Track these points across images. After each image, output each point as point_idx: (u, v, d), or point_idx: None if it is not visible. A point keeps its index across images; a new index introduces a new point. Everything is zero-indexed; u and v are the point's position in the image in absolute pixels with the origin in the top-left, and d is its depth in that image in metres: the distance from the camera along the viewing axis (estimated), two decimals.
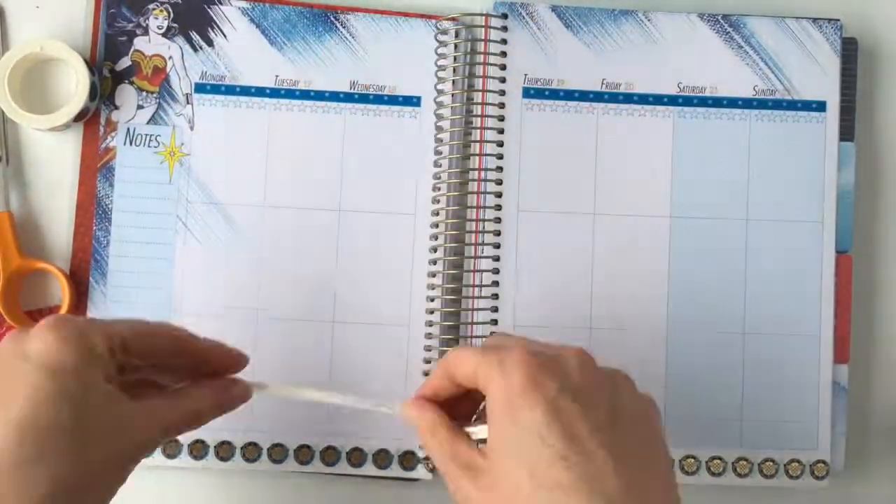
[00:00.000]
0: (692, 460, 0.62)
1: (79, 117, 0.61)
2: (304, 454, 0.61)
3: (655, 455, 0.46)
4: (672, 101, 0.63)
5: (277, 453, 0.61)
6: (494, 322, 0.61)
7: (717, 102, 0.63)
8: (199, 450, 0.60)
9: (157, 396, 0.51)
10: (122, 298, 0.61)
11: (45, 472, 0.43)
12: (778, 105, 0.63)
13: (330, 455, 0.61)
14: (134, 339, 0.49)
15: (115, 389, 0.47)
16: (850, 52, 0.64)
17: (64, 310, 0.60)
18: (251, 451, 0.61)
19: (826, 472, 0.62)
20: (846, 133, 0.64)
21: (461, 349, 0.50)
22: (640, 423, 0.46)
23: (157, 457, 0.60)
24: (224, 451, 0.60)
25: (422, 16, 0.64)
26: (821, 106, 0.63)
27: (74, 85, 0.61)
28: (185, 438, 0.60)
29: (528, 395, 0.44)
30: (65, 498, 0.44)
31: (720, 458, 0.62)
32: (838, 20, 0.64)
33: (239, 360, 0.53)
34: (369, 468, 0.61)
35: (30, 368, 0.44)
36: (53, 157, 0.63)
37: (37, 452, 0.43)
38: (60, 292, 0.61)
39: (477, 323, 0.61)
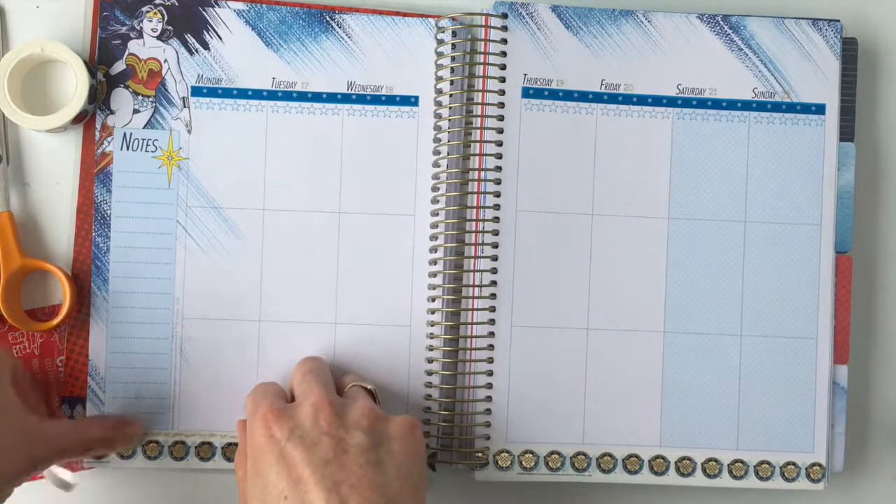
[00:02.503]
0: (688, 462, 0.62)
1: (77, 119, 0.61)
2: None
3: (400, 474, 0.52)
4: (671, 102, 0.63)
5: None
6: (492, 322, 0.61)
7: (717, 104, 0.63)
8: (206, 452, 0.61)
9: (58, 420, 0.59)
10: (125, 304, 0.61)
11: None
12: (777, 108, 0.63)
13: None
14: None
15: (22, 405, 0.55)
16: (850, 52, 0.64)
17: (65, 309, 0.60)
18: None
19: (821, 475, 0.62)
20: (846, 133, 0.64)
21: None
22: (390, 445, 0.53)
23: (165, 459, 0.61)
24: (230, 451, 0.61)
25: (418, 15, 0.63)
26: (820, 109, 0.63)
27: (74, 87, 0.61)
28: (194, 441, 0.61)
29: (264, 448, 0.52)
30: None
31: (716, 460, 0.62)
32: (838, 21, 0.63)
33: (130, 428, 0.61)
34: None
35: None
36: (54, 157, 0.63)
37: None
38: (61, 292, 0.61)
39: (476, 323, 0.61)
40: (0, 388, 0.55)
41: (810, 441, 0.62)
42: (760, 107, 0.63)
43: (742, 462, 0.62)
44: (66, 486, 0.60)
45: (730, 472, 0.62)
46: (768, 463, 0.62)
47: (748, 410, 0.62)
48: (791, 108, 0.63)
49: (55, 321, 0.61)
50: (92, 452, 0.59)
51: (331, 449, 0.51)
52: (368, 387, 0.58)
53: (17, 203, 0.63)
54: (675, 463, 0.62)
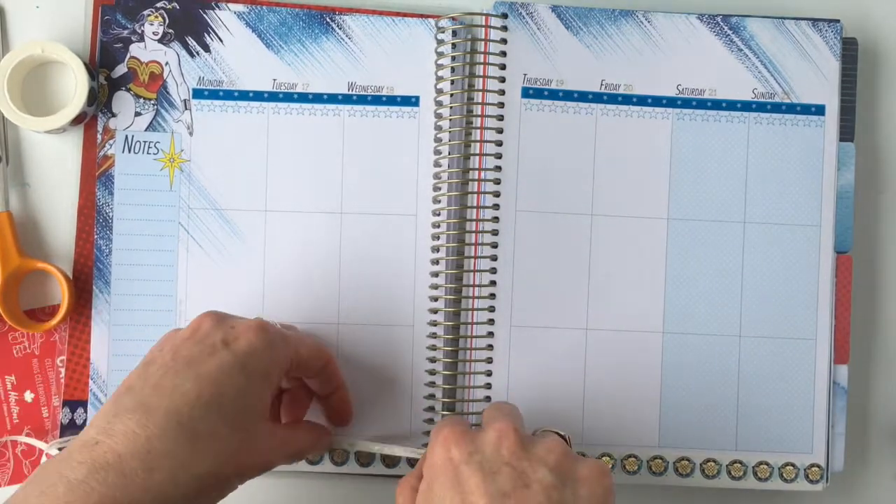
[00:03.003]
0: (686, 462, 0.62)
1: (77, 121, 0.61)
2: (313, 454, 0.62)
3: None
4: (671, 102, 0.63)
5: None
6: (492, 322, 0.61)
7: (717, 105, 0.63)
8: None
9: (288, 428, 0.57)
10: (126, 307, 0.62)
11: (213, 426, 0.49)
12: (777, 108, 0.63)
13: (339, 455, 0.62)
14: (305, 360, 0.56)
15: (269, 415, 0.54)
16: (850, 52, 0.64)
17: (63, 309, 0.61)
18: None
19: (820, 476, 0.62)
20: (846, 133, 0.64)
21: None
22: (577, 488, 0.48)
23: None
24: None
25: (418, 15, 0.63)
26: (820, 110, 0.63)
27: (73, 88, 0.61)
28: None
29: (440, 469, 0.48)
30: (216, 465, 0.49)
31: (714, 461, 0.62)
32: (838, 21, 0.63)
33: (348, 418, 0.61)
34: (378, 467, 0.62)
35: (229, 356, 0.51)
36: (54, 158, 0.63)
37: (207, 418, 0.49)
38: (60, 292, 0.61)
39: (476, 323, 0.61)
40: (270, 385, 0.53)
41: (809, 442, 0.62)
42: (760, 107, 0.63)
43: (741, 463, 0.62)
44: None
45: (728, 472, 0.62)
46: (767, 464, 0.62)
47: (747, 411, 0.62)
48: (791, 108, 0.63)
49: (54, 321, 0.61)
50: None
51: (510, 481, 0.46)
52: (561, 433, 0.53)
53: (16, 203, 0.63)
54: (674, 463, 0.62)
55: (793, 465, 0.62)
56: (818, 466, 0.62)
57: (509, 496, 0.46)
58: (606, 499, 0.48)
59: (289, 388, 0.59)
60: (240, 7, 0.63)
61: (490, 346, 0.61)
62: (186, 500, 0.48)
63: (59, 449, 0.60)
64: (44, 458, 0.61)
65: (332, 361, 0.58)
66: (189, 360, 0.50)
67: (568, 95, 0.63)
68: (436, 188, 0.62)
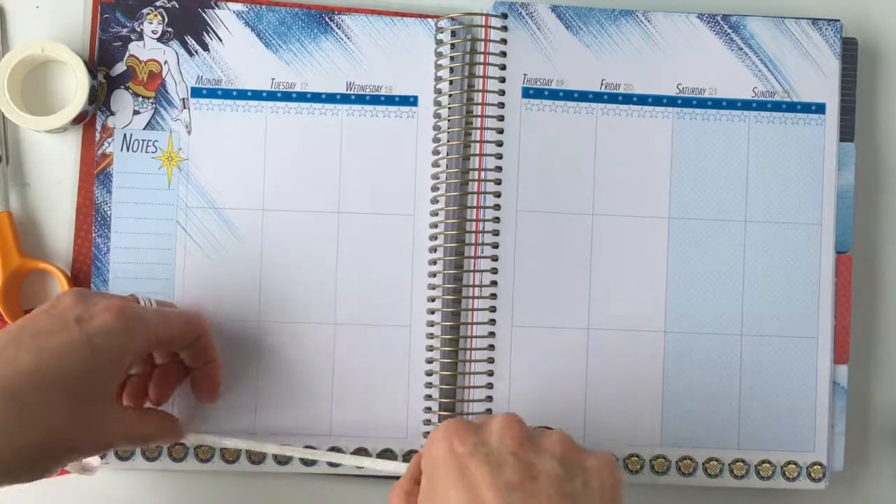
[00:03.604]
0: (689, 461, 0.62)
1: (77, 120, 0.61)
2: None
3: None
4: (671, 102, 0.63)
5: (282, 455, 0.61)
6: (493, 322, 0.61)
7: (717, 104, 0.63)
8: (206, 453, 0.61)
9: (135, 413, 0.57)
10: None
11: (53, 403, 0.49)
12: (777, 107, 0.63)
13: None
14: (170, 339, 0.56)
15: (115, 397, 0.53)
16: (850, 52, 0.64)
17: None
18: (257, 454, 0.61)
19: (822, 474, 0.62)
20: (846, 133, 0.64)
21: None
22: (587, 478, 0.47)
23: (164, 460, 0.61)
24: (230, 454, 0.61)
25: (418, 15, 0.63)
26: (820, 108, 0.63)
27: (74, 87, 0.61)
28: (191, 441, 0.61)
29: (442, 462, 0.47)
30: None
31: (717, 460, 0.62)
32: (838, 21, 0.63)
33: (214, 394, 0.60)
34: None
35: (78, 333, 0.51)
36: (54, 158, 0.63)
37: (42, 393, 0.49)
38: (60, 292, 0.61)
39: (476, 323, 0.61)
40: (120, 368, 0.53)
41: (811, 440, 0.62)
42: (760, 106, 0.63)
43: (743, 462, 0.62)
44: (90, 470, 0.60)
45: (731, 471, 0.62)
46: (769, 462, 0.62)
47: (749, 410, 0.62)
48: (791, 107, 0.63)
49: None
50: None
51: (517, 473, 0.45)
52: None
53: (16, 203, 0.63)
54: (677, 463, 0.62)
55: (795, 463, 0.62)
56: (820, 465, 0.62)
57: (517, 488, 0.44)
58: (616, 489, 0.47)
59: (161, 364, 0.59)
60: (239, 6, 0.62)
61: (492, 347, 0.61)
62: (16, 469, 0.49)
63: None
64: None
65: (206, 334, 0.58)
66: (36, 332, 0.50)
67: (568, 95, 0.63)
68: (434, 188, 0.62)
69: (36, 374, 0.49)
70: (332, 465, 0.61)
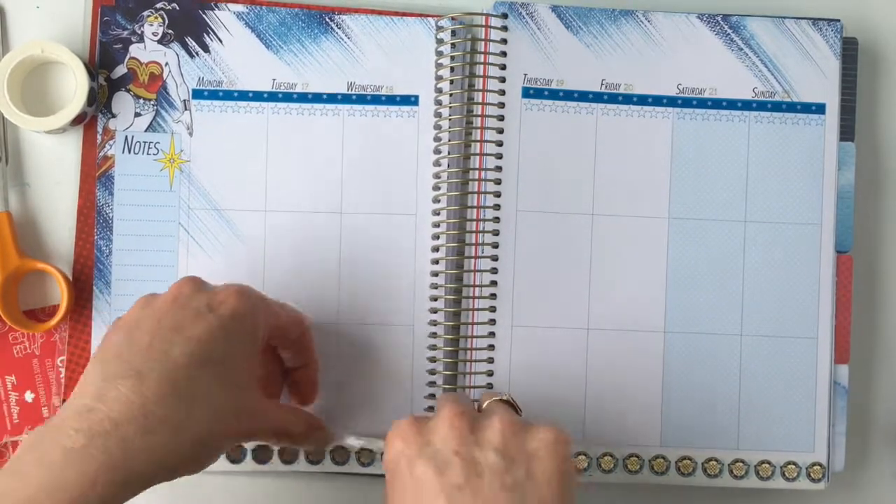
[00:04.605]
0: (688, 461, 0.62)
1: (77, 121, 0.61)
2: (315, 454, 0.62)
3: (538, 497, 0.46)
4: (671, 102, 0.63)
5: (288, 454, 0.62)
6: (493, 322, 0.61)
7: (717, 104, 0.63)
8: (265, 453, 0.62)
9: (275, 404, 0.57)
10: (127, 307, 0.59)
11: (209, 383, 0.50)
12: (777, 107, 0.63)
13: (340, 455, 0.62)
14: (285, 325, 0.56)
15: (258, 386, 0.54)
16: (850, 51, 0.64)
17: (62, 309, 0.61)
18: (263, 453, 0.61)
19: (822, 474, 0.62)
20: (846, 133, 0.64)
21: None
22: (530, 465, 0.47)
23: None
24: (235, 453, 0.61)
25: (418, 15, 0.63)
26: (820, 108, 0.63)
27: (73, 88, 0.61)
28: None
29: (394, 466, 0.48)
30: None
31: (716, 460, 0.62)
32: (838, 21, 0.63)
33: (312, 396, 0.60)
34: (378, 467, 0.62)
35: (213, 320, 0.51)
36: (53, 158, 0.63)
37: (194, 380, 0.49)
38: (59, 292, 0.61)
39: (477, 323, 0.61)
40: (255, 348, 0.53)
41: (811, 441, 0.62)
42: (760, 106, 0.63)
43: (742, 462, 0.62)
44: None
45: (730, 471, 0.62)
46: (769, 463, 0.62)
47: (748, 410, 0.62)
48: (791, 107, 0.63)
49: (53, 322, 0.61)
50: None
51: (462, 472, 0.45)
52: (504, 397, 0.53)
53: (16, 203, 0.63)
54: (676, 463, 0.62)
55: (794, 463, 0.62)
56: (820, 465, 0.62)
57: (463, 488, 0.45)
58: (561, 469, 0.46)
59: (263, 368, 0.58)
60: (239, 7, 0.63)
61: (492, 346, 0.61)
62: (183, 464, 0.48)
63: None
64: None
65: (309, 331, 0.58)
66: (175, 326, 0.50)
67: (568, 95, 0.63)
68: (436, 188, 0.62)
69: (190, 366, 0.49)
70: (336, 463, 0.62)
